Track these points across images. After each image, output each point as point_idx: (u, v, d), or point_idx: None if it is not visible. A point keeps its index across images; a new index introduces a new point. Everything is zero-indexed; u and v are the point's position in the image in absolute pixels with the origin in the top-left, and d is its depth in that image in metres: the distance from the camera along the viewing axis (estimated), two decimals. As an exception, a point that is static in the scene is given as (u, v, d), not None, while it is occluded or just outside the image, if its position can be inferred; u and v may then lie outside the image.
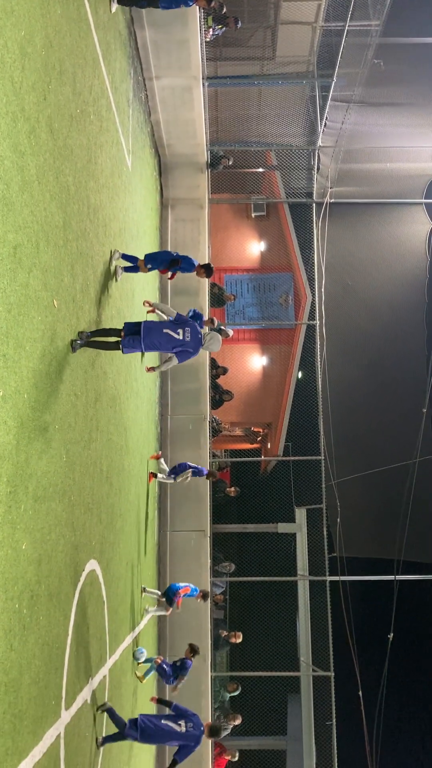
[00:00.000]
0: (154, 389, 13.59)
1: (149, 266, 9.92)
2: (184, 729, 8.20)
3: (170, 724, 8.21)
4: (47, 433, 5.72)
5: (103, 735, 7.86)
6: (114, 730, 8.00)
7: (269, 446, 20.17)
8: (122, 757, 9.08)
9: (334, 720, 14.31)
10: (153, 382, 13.44)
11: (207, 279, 9.31)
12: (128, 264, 9.56)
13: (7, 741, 4.70)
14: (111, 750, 8.41)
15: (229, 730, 14.95)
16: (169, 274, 10.75)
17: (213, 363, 15.44)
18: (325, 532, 15.43)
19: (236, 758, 14.84)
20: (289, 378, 17.93)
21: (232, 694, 15.29)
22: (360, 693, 13.53)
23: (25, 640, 5.11)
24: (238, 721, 15.09)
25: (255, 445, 21.96)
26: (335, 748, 14.31)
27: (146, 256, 10.00)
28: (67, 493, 6.36)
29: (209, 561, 14.22)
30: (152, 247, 13.21)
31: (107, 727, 8.01)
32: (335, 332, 16.67)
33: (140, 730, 7.96)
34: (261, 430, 21.36)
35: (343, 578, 14.70)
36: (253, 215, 18.61)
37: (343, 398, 16.65)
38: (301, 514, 16.36)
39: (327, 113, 15.23)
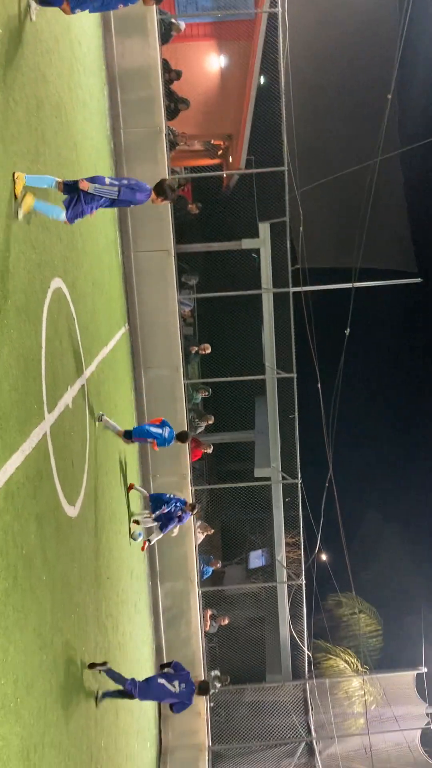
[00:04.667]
0: (102, 100, 12.50)
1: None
2: (177, 690, 9.31)
3: (165, 683, 9.31)
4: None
5: (104, 691, 8.57)
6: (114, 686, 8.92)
7: (231, 161, 19.38)
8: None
9: (297, 413, 15.85)
10: (100, 91, 12.32)
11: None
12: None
13: (-3, 438, 5.17)
14: (96, 453, 9.35)
15: (202, 429, 16.63)
16: None
17: (165, 65, 14.03)
18: (288, 246, 15.55)
19: (210, 450, 16.71)
20: (249, 81, 16.50)
21: (204, 397, 16.67)
22: (318, 385, 14.84)
23: (-1, 352, 5.35)
24: (210, 421, 16.70)
25: (216, 161, 21.08)
26: (297, 436, 16.03)
27: None
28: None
29: (175, 280, 14.44)
30: None
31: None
32: (298, 25, 14.98)
33: (138, 689, 8.99)
34: (222, 143, 20.34)
35: (304, 288, 15.21)
36: None
37: (306, 104, 15.60)
38: (264, 228, 16.29)
39: None
